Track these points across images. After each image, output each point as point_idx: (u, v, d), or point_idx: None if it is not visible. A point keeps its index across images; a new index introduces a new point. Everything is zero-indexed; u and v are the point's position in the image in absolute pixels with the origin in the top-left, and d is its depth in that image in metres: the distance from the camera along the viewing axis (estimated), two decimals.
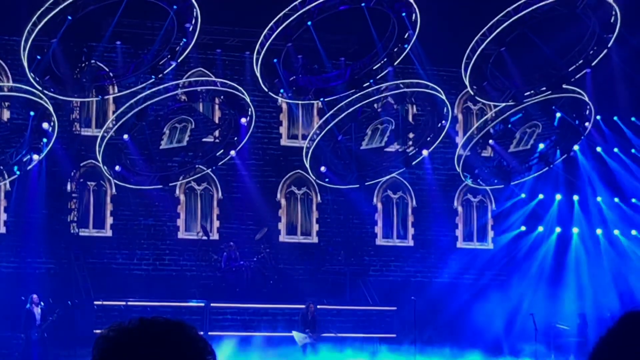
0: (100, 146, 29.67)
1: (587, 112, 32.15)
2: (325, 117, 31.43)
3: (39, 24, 26.74)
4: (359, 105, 31.09)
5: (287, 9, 28.27)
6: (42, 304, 26.93)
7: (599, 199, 34.76)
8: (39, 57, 27.53)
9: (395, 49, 30.25)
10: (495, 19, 28.92)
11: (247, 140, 31.16)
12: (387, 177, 33.47)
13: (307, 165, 31.60)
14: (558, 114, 32.43)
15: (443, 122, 31.80)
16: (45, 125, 29.00)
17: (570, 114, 32.35)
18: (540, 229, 34.65)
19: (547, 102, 31.97)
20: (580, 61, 30.65)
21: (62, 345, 27.09)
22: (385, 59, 30.37)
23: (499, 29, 28.86)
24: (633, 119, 34.31)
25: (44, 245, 30.22)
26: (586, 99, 31.55)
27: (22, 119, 29.67)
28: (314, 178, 32.23)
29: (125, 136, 29.81)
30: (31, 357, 26.64)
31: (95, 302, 28.21)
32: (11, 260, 29.92)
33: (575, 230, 34.69)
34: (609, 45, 29.85)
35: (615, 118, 34.24)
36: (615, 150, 34.58)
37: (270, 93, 30.35)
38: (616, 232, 34.72)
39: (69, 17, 26.91)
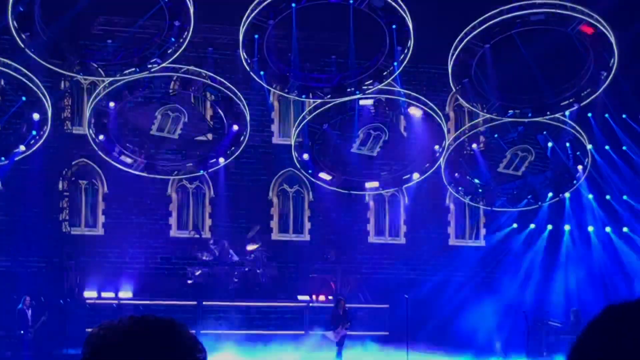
0: (89, 109, 29.31)
1: (585, 158, 32.01)
2: (312, 105, 31.09)
3: None
4: (349, 98, 30.79)
5: None
6: (33, 303, 26.90)
7: (590, 196, 34.81)
8: (21, 8, 27.06)
9: (390, 68, 29.83)
10: (487, 15, 28.85)
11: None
12: (376, 192, 33.43)
13: (292, 147, 31.41)
14: (550, 144, 32.38)
15: (437, 147, 31.62)
16: (35, 116, 28.47)
17: (564, 148, 32.19)
18: (532, 226, 34.71)
19: (537, 126, 31.84)
20: (572, 99, 30.50)
21: (54, 344, 27.05)
22: (374, 78, 30.13)
23: (488, 23, 28.76)
24: (624, 116, 34.34)
25: (35, 244, 30.14)
26: (585, 141, 31.46)
27: (13, 104, 29.18)
28: (298, 167, 32.07)
29: (112, 104, 29.18)
30: (24, 356, 26.60)
31: (87, 301, 28.19)
32: (3, 259, 29.85)
33: (566, 227, 34.74)
34: (602, 88, 29.83)
35: (606, 115, 34.27)
36: (607, 147, 34.61)
37: (251, 73, 29.78)
38: (608, 229, 34.78)
39: None
